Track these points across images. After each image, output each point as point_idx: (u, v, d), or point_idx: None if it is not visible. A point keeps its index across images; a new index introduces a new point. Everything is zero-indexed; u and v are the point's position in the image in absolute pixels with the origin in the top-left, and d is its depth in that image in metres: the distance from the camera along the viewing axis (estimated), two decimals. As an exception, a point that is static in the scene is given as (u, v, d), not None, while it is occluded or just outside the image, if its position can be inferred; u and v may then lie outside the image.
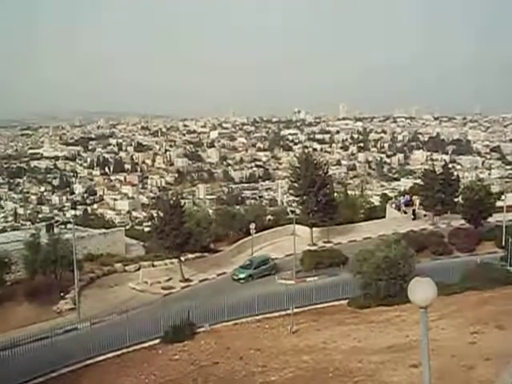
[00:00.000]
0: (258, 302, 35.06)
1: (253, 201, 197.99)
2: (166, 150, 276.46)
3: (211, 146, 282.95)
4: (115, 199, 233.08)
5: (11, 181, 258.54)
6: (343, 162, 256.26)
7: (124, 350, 30.18)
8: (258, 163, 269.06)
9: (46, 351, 28.93)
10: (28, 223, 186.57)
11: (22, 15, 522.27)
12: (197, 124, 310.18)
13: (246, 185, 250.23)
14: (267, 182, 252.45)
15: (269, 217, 73.99)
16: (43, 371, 27.51)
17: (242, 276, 45.37)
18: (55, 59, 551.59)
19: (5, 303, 41.53)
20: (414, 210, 64.56)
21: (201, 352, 28.83)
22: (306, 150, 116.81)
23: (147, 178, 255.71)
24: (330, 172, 66.08)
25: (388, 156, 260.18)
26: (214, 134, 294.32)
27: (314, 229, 57.46)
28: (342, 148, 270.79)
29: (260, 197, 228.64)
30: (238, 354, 27.65)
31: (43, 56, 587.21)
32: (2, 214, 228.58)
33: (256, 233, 54.89)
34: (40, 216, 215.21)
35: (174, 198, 50.00)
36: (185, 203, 52.39)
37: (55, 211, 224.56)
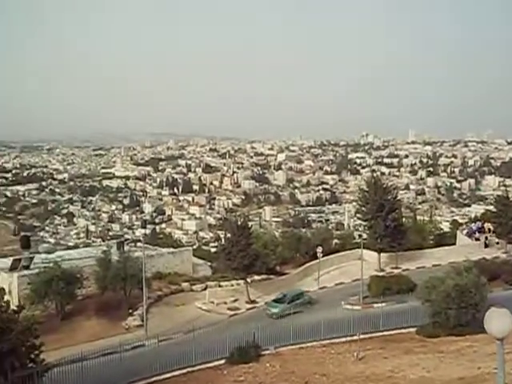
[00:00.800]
0: (324, 327, 34.70)
1: (319, 224, 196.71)
2: (234, 172, 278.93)
3: (278, 168, 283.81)
4: (183, 219, 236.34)
5: (84, 199, 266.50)
6: (412, 187, 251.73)
7: (190, 369, 30.37)
8: (324, 186, 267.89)
9: (113, 366, 29.46)
10: (99, 240, 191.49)
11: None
12: (264, 146, 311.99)
13: (312, 208, 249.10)
14: (334, 205, 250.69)
15: (335, 240, 73.54)
16: (111, 386, 28.10)
17: (274, 311, 42.44)
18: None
19: (75, 317, 42.81)
20: (486, 238, 62.74)
21: (266, 374, 28.70)
22: (375, 174, 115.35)
23: (214, 199, 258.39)
24: (399, 196, 65.17)
25: (458, 181, 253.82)
26: (281, 157, 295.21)
27: (381, 254, 56.68)
28: (410, 172, 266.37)
29: (326, 220, 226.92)
30: (303, 378, 27.39)
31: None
32: (75, 231, 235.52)
33: (322, 256, 54.54)
34: (110, 233, 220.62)
35: (241, 220, 50.20)
36: (252, 225, 52.66)
37: (125, 229, 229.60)
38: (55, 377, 26.42)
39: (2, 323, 23.71)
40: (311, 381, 26.91)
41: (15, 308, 26.18)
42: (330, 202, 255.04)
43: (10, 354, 23.27)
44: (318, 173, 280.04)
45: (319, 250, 53.44)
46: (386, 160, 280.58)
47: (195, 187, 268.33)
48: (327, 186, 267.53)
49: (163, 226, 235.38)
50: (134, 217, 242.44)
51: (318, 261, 53.76)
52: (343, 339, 33.79)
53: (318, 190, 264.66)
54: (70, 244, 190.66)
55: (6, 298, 26.25)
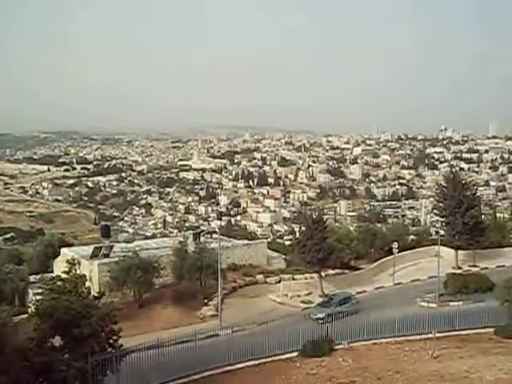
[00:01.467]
0: (399, 323, 34.21)
1: (395, 219, 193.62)
2: (309, 166, 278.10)
3: (354, 162, 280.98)
4: (258, 212, 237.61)
5: (161, 190, 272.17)
6: (492, 183, 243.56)
7: (263, 360, 30.65)
8: (401, 181, 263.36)
9: (188, 354, 30.06)
10: (175, 231, 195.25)
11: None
12: (340, 140, 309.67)
13: (388, 203, 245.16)
14: (410, 200, 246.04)
15: (411, 236, 72.17)
16: (185, 373, 28.67)
17: (320, 316, 39.08)
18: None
19: (152, 305, 43.89)
20: None
21: (338, 369, 28.62)
22: (453, 169, 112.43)
23: (289, 192, 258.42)
24: (478, 193, 63.28)
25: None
26: (357, 151, 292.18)
27: (459, 251, 55.38)
28: (490, 168, 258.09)
29: (402, 215, 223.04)
30: (376, 374, 27.16)
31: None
32: (153, 221, 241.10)
33: (398, 252, 53.68)
34: (187, 224, 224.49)
35: (316, 214, 50.03)
36: (326, 219, 52.38)
37: (201, 221, 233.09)
38: (132, 362, 27.19)
39: (83, 309, 24.67)
40: (384, 377, 26.65)
41: (95, 294, 27.16)
42: (406, 197, 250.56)
43: (90, 338, 24.19)
44: (394, 167, 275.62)
45: (395, 245, 52.64)
46: (465, 155, 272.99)
47: (270, 180, 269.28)
48: (404, 181, 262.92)
49: (238, 218, 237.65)
50: (209, 208, 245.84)
51: (393, 256, 52.98)
52: (418, 337, 33.22)
53: (395, 185, 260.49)
54: (148, 234, 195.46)
55: (87, 284, 27.22)
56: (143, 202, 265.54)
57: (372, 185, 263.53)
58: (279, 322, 37.11)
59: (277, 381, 27.53)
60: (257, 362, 30.59)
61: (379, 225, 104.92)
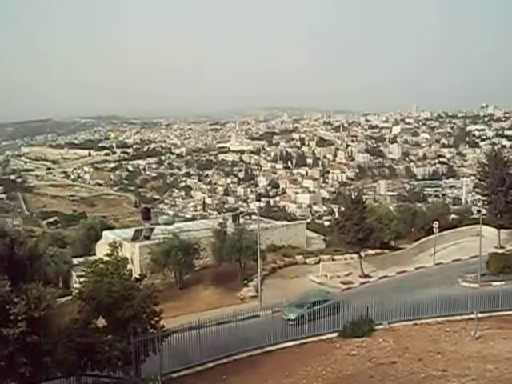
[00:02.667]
0: (440, 304, 33.91)
1: (435, 198, 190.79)
2: (348, 145, 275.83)
3: (393, 141, 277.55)
4: (297, 193, 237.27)
5: (200, 172, 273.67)
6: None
7: (303, 341, 30.83)
8: (441, 160, 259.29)
9: (229, 335, 30.41)
10: (215, 213, 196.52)
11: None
12: (379, 119, 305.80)
13: (428, 182, 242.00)
14: (451, 179, 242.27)
15: (452, 216, 71.21)
16: (226, 353, 29.02)
17: (292, 317, 34.75)
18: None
19: (193, 286, 44.48)
20: None
21: (379, 349, 28.59)
22: (495, 147, 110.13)
23: (328, 172, 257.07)
24: (522, 171, 61.91)
25: None
26: (396, 129, 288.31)
27: (501, 230, 54.41)
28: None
29: (443, 195, 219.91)
30: (417, 355, 27.05)
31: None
32: (192, 203, 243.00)
33: (439, 232, 53.07)
34: (226, 206, 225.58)
35: (355, 194, 49.70)
36: (366, 199, 52.00)
37: (240, 202, 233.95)
38: (174, 342, 27.63)
39: (125, 291, 25.10)
40: (425, 358, 26.53)
41: (137, 277, 27.59)
42: (446, 175, 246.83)
43: (132, 320, 24.63)
44: (434, 146, 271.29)
45: (435, 225, 52.08)
46: (507, 132, 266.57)
47: (309, 161, 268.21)
48: (444, 160, 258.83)
49: (277, 199, 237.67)
50: (248, 190, 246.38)
51: (434, 236, 52.43)
52: (459, 317, 32.96)
53: (435, 164, 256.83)
54: (188, 216, 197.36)
55: (129, 267, 27.64)
56: (183, 184, 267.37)
57: (412, 164, 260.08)
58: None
59: (317, 361, 27.67)
60: (297, 342, 30.78)
61: (419, 204, 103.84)
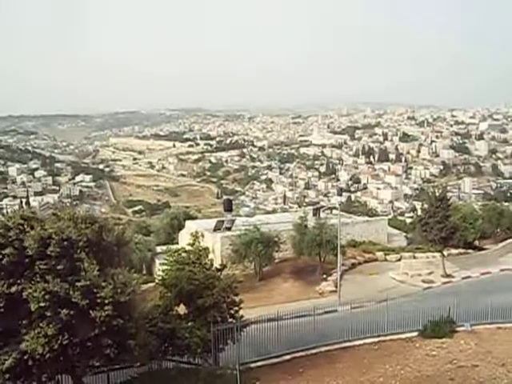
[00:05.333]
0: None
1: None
2: (432, 141, 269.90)
3: (480, 138, 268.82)
4: (378, 188, 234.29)
5: (282, 166, 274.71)
6: None
7: (381, 338, 30.42)
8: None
9: (306, 328, 30.41)
10: (295, 206, 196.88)
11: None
12: (465, 114, 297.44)
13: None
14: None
15: (542, 216, 68.26)
16: (303, 346, 29.07)
17: None
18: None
19: (272, 278, 44.79)
20: None
21: (459, 352, 27.86)
22: None
23: (411, 168, 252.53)
24: None
25: None
26: (483, 126, 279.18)
27: None
28: None
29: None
30: (500, 360, 26.18)
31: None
32: (273, 196, 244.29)
33: (527, 233, 51.22)
34: (306, 200, 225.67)
35: (439, 191, 48.48)
36: (450, 196, 50.65)
37: (320, 196, 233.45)
38: (252, 333, 27.92)
39: (207, 279, 25.59)
40: (509, 363, 25.66)
41: (218, 266, 28.03)
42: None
43: (212, 308, 25.08)
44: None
45: (524, 225, 50.26)
46: None
47: (391, 156, 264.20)
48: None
49: (358, 194, 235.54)
50: (329, 184, 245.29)
51: (521, 237, 50.63)
52: (547, 322, 31.63)
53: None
54: (268, 209, 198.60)
55: (210, 256, 28.12)
56: (264, 177, 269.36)
57: (499, 161, 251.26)
58: (399, 301, 36.62)
59: (395, 359, 27.28)
60: (375, 339, 30.41)
61: (506, 204, 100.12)
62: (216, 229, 49.56)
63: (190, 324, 24.85)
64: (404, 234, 59.57)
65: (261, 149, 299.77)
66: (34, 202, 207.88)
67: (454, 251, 50.26)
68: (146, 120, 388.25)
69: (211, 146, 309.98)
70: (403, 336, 30.60)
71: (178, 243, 52.21)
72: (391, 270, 46.56)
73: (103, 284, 19.15)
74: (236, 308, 26.55)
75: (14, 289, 18.90)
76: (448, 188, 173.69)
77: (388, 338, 30.53)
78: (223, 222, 50.58)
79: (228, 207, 54.26)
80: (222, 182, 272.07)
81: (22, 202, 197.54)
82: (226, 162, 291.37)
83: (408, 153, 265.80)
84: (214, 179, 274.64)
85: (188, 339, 23.83)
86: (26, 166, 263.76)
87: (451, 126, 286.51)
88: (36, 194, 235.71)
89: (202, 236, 29.30)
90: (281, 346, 28.55)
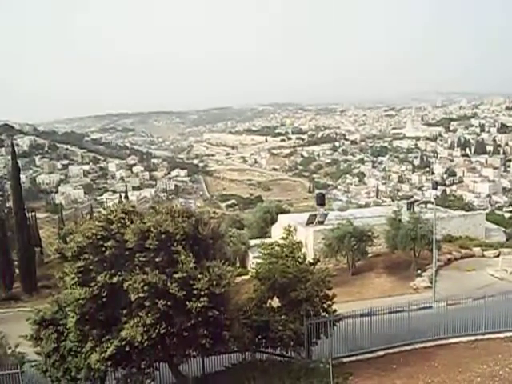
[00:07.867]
0: None
1: None
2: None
3: None
4: (475, 181, 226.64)
5: (374, 159, 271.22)
6: None
7: (478, 337, 29.60)
8: None
9: (400, 324, 29.98)
10: (388, 200, 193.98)
11: None
12: None
13: None
14: None
15: None
16: (397, 343, 28.74)
17: None
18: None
19: (365, 273, 44.46)
20: None
21: None
22: None
23: (510, 160, 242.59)
24: None
25: None
26: None
27: None
28: None
29: None
30: None
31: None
32: (366, 190, 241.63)
33: None
34: (400, 194, 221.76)
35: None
36: (554, 190, 48.56)
37: (414, 190, 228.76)
38: (345, 327, 27.88)
39: (299, 273, 25.80)
40: None
41: (311, 260, 28.16)
42: None
43: (305, 302, 25.26)
44: None
45: None
46: None
47: (489, 148, 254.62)
48: None
49: (454, 188, 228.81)
50: (423, 178, 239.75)
51: None
52: None
53: None
54: (361, 203, 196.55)
55: (303, 250, 28.28)
56: (356, 170, 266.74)
57: None
58: (497, 299, 35.46)
59: (494, 359, 26.44)
60: (472, 338, 29.62)
61: None
62: (309, 223, 49.64)
63: (283, 317, 25.12)
64: (503, 229, 57.48)
65: (353, 142, 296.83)
66: (132, 196, 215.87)
67: (559, 248, 48.09)
68: (239, 115, 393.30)
69: (303, 140, 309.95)
70: (502, 335, 29.66)
71: (270, 237, 52.72)
72: (489, 266, 45.05)
73: (199, 276, 19.75)
74: (329, 302, 26.57)
75: (115, 279, 19.87)
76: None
77: (486, 336, 29.67)
78: (316, 215, 50.58)
79: (320, 201, 54.31)
80: (314, 176, 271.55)
81: (121, 196, 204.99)
82: (318, 155, 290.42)
83: (507, 144, 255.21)
84: (306, 173, 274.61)
85: (281, 332, 24.13)
86: (124, 161, 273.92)
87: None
88: (134, 188, 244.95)
89: (295, 230, 29.51)
90: (374, 342, 28.35)
